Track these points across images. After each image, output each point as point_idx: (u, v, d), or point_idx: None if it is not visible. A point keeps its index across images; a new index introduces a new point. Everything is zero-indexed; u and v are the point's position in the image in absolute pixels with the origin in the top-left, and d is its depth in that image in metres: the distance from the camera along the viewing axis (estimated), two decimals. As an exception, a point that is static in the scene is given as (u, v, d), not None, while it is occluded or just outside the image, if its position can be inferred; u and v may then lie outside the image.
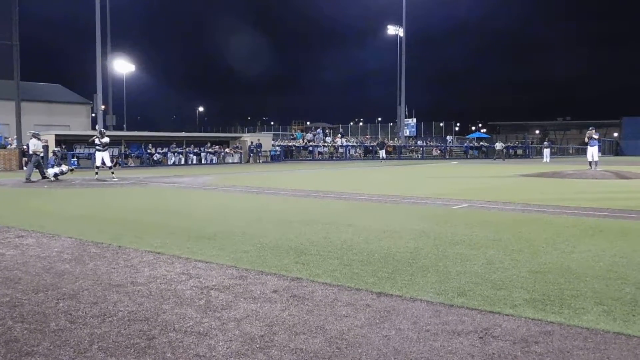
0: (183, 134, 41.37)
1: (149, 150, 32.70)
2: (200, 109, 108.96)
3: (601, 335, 3.18)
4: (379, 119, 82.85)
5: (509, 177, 19.43)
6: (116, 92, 47.84)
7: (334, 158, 43.63)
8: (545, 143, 44.25)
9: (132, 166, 30.43)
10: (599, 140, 24.75)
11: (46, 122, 41.47)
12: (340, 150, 45.35)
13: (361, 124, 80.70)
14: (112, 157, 21.58)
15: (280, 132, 60.07)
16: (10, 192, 14.25)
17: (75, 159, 27.98)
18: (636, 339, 3.12)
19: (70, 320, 3.52)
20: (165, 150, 33.36)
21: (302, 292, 4.15)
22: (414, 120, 59.80)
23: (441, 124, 68.99)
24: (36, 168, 17.94)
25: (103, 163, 18.68)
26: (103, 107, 36.21)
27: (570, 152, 65.35)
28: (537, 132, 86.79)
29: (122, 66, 48.84)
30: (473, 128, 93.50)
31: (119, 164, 28.91)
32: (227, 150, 36.45)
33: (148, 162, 31.98)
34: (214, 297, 4.03)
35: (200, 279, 4.55)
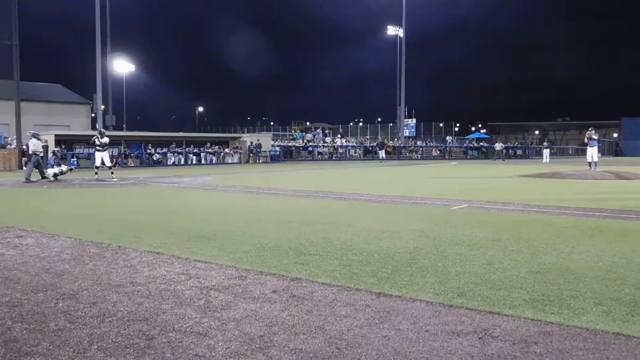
0: (181, 134, 41.32)
1: (148, 151, 32.68)
2: (200, 109, 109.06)
3: (600, 336, 3.18)
4: (379, 119, 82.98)
5: (508, 177, 19.43)
6: (116, 92, 47.81)
7: (334, 158, 43.62)
8: (545, 144, 44.25)
9: (131, 166, 30.42)
10: (598, 140, 24.75)
11: (46, 122, 41.46)
12: (340, 150, 45.34)
13: (361, 124, 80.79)
14: (111, 157, 21.57)
15: (280, 133, 60.11)
16: (9, 192, 14.25)
17: (74, 159, 27.98)
18: (635, 340, 3.12)
19: (69, 320, 3.52)
20: (164, 150, 33.35)
21: (302, 292, 4.15)
22: (414, 120, 59.81)
23: (441, 125, 69.02)
24: (36, 168, 17.94)
25: (103, 163, 18.68)
26: (103, 107, 36.20)
27: (570, 152, 65.37)
28: (537, 132, 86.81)
29: (122, 66, 48.82)
30: (473, 128, 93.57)
31: (119, 164, 28.90)
32: (226, 150, 36.44)
33: (148, 162, 31.97)
34: (214, 297, 4.03)
35: (200, 279, 4.55)
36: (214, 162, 34.81)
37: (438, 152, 51.10)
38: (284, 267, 4.93)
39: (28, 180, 17.15)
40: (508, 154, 50.00)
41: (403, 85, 50.65)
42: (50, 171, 18.00)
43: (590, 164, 21.98)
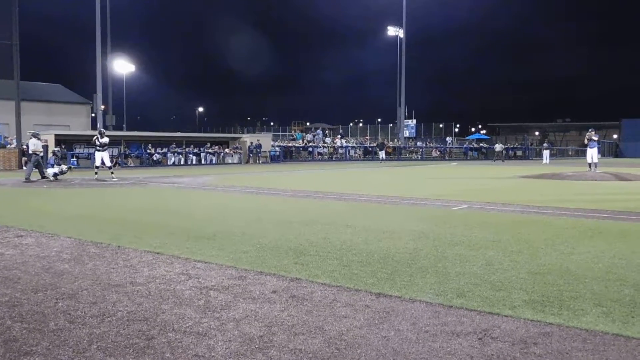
0: (179, 134, 41.28)
1: (148, 151, 32.68)
2: (200, 109, 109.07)
3: (600, 337, 3.18)
4: (379, 119, 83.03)
5: (508, 178, 19.43)
6: (116, 92, 47.83)
7: (334, 159, 43.62)
8: (545, 144, 44.24)
9: (131, 166, 30.42)
10: (598, 142, 24.75)
11: (46, 122, 41.46)
12: (340, 151, 45.33)
13: (361, 124, 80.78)
14: (111, 157, 21.57)
15: (280, 133, 60.10)
16: (9, 192, 14.24)
17: (75, 159, 27.98)
18: (635, 341, 3.12)
19: (69, 320, 3.52)
20: (164, 150, 33.35)
21: (302, 292, 4.15)
22: (414, 121, 59.83)
23: (441, 125, 69.05)
24: (36, 168, 17.94)
25: (103, 163, 18.68)
26: (103, 107, 36.20)
27: (570, 153, 65.36)
28: (537, 133, 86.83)
29: (122, 66, 48.79)
30: (473, 129, 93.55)
31: (119, 164, 28.90)
32: (226, 150, 36.45)
33: (148, 162, 31.97)
34: (213, 297, 4.04)
35: (200, 279, 4.55)
36: (214, 162, 34.81)
37: (438, 152, 51.10)
38: (284, 268, 4.93)
39: (28, 180, 17.15)
40: (508, 155, 49.98)
41: (403, 86, 50.67)
42: (50, 171, 18.00)
43: (590, 165, 21.97)
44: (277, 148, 40.57)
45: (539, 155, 50.15)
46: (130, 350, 3.00)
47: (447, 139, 59.54)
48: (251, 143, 36.53)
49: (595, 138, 22.69)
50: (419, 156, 48.83)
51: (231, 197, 12.61)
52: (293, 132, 61.04)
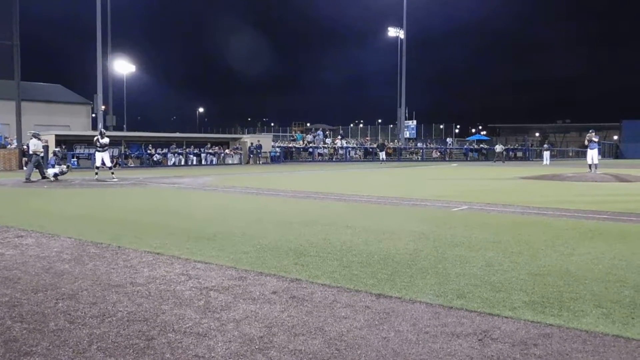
0: (178, 134, 41.27)
1: (149, 151, 32.70)
2: (201, 109, 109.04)
3: (600, 338, 3.18)
4: (379, 120, 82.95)
5: (508, 179, 19.43)
6: (116, 93, 47.88)
7: (334, 159, 43.62)
8: (545, 146, 44.19)
9: (132, 167, 30.43)
10: (598, 143, 24.74)
11: (46, 122, 41.48)
12: (340, 151, 45.35)
13: (361, 125, 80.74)
14: (112, 158, 21.58)
15: (281, 134, 60.07)
16: (10, 192, 14.25)
17: (75, 159, 28.00)
18: (635, 342, 3.12)
19: (69, 320, 3.52)
20: (165, 150, 33.37)
21: (302, 293, 4.15)
22: (414, 122, 59.84)
23: (441, 126, 69.07)
24: (36, 168, 17.95)
25: (103, 163, 18.70)
26: (103, 107, 36.23)
27: (570, 154, 65.34)
28: (537, 134, 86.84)
29: (123, 66, 48.83)
30: (473, 130, 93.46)
31: (119, 165, 28.91)
32: (227, 151, 36.46)
33: (148, 162, 31.98)
34: (213, 297, 4.04)
35: (200, 280, 4.55)
36: (214, 162, 34.82)
37: (438, 153, 51.10)
38: (284, 268, 4.93)
39: (28, 180, 17.16)
40: (508, 156, 49.99)
41: (404, 87, 50.71)
42: (50, 171, 18.01)
43: (590, 166, 21.97)
44: (277, 149, 40.58)
45: (539, 156, 50.17)
46: (131, 351, 3.00)
47: (448, 140, 59.57)
48: (251, 144, 36.54)
49: (596, 139, 22.69)
50: (420, 157, 48.84)
51: (231, 198, 12.61)
52: (293, 132, 61.02)
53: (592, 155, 22.15)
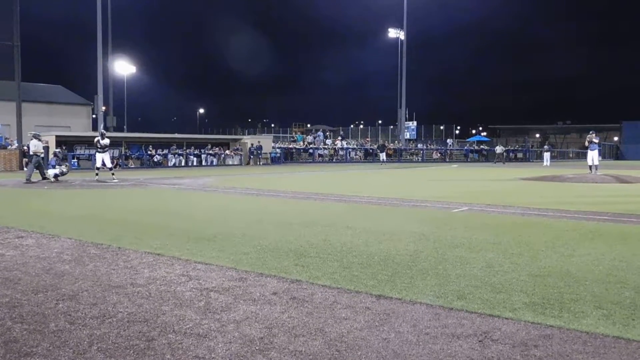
0: (176, 135, 41.27)
1: (149, 152, 32.71)
2: (201, 110, 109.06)
3: (600, 339, 3.18)
4: (380, 121, 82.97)
5: (509, 180, 19.43)
6: (117, 93, 47.90)
7: (334, 160, 43.61)
8: (546, 147, 44.12)
9: (132, 167, 30.43)
10: (599, 144, 24.72)
11: (47, 123, 41.54)
12: (341, 152, 45.34)
13: (361, 126, 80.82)
14: (112, 159, 21.58)
15: (281, 134, 60.04)
16: (10, 193, 14.26)
17: (75, 160, 28.00)
18: (635, 343, 3.12)
19: (69, 321, 3.53)
20: (165, 151, 33.37)
21: (302, 294, 4.15)
22: (415, 123, 59.82)
23: (441, 127, 69.01)
24: (36, 169, 17.96)
25: (103, 164, 18.70)
26: (104, 108, 36.23)
27: (571, 156, 65.28)
28: (537, 135, 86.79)
29: (123, 67, 48.84)
30: (473, 131, 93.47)
31: (119, 165, 28.91)
32: (227, 152, 36.46)
33: (148, 163, 31.98)
34: (214, 298, 4.04)
35: (200, 281, 4.55)
36: (214, 163, 34.82)
37: (439, 154, 51.06)
38: (284, 269, 4.93)
39: (29, 181, 17.17)
40: (509, 157, 49.96)
41: (404, 88, 50.68)
42: (50, 172, 18.01)
43: (590, 167, 21.96)
44: (277, 150, 40.57)
45: (540, 157, 50.09)
46: (131, 352, 3.00)
47: (448, 140, 59.51)
48: (252, 144, 36.55)
49: (596, 140, 22.67)
50: (420, 158, 48.82)
51: (232, 199, 12.61)
52: (294, 133, 61.02)
53: (593, 156, 22.14)
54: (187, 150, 34.52)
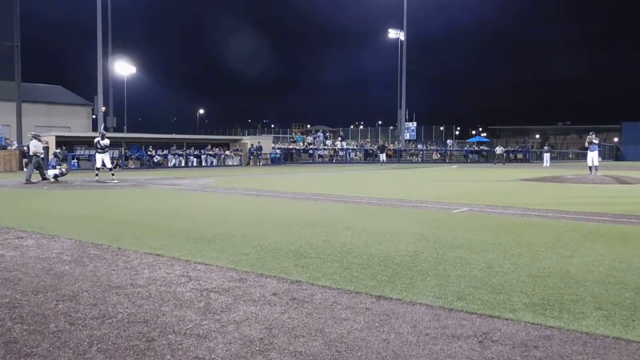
0: (175, 135, 41.26)
1: (149, 152, 32.71)
2: (201, 111, 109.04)
3: (600, 340, 3.18)
4: (379, 122, 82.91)
5: (509, 181, 19.43)
6: (117, 94, 47.92)
7: (334, 161, 43.60)
8: (546, 147, 44.19)
9: (132, 168, 30.44)
10: (599, 145, 24.72)
11: (47, 124, 41.51)
12: (341, 153, 45.34)
13: (361, 127, 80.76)
14: (112, 159, 21.58)
15: (281, 135, 60.02)
16: (10, 193, 14.25)
17: (75, 161, 28.01)
18: (635, 344, 3.12)
19: (69, 321, 3.52)
20: (165, 152, 33.38)
21: (302, 295, 4.15)
22: (415, 124, 59.80)
23: (441, 128, 68.99)
24: (36, 169, 17.96)
25: (103, 165, 18.71)
26: (104, 108, 36.26)
27: (570, 156, 65.28)
28: (537, 136, 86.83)
29: (123, 68, 48.86)
30: (473, 132, 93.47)
31: (119, 166, 28.91)
32: (227, 152, 36.47)
33: (148, 164, 31.98)
34: (214, 299, 4.04)
35: (200, 281, 4.55)
36: (214, 164, 34.83)
37: (439, 155, 51.09)
38: (284, 270, 4.93)
39: (29, 181, 17.16)
40: (508, 158, 49.98)
41: (404, 89, 50.71)
42: (50, 172, 18.02)
43: (590, 168, 21.96)
44: (277, 150, 40.58)
45: (540, 158, 50.10)
46: (131, 352, 3.00)
47: (448, 141, 59.50)
48: (252, 145, 36.56)
49: (596, 141, 22.67)
50: (420, 159, 48.83)
51: (231, 199, 12.61)
52: (293, 134, 61.02)
53: (593, 157, 22.14)
54: (187, 151, 34.53)
